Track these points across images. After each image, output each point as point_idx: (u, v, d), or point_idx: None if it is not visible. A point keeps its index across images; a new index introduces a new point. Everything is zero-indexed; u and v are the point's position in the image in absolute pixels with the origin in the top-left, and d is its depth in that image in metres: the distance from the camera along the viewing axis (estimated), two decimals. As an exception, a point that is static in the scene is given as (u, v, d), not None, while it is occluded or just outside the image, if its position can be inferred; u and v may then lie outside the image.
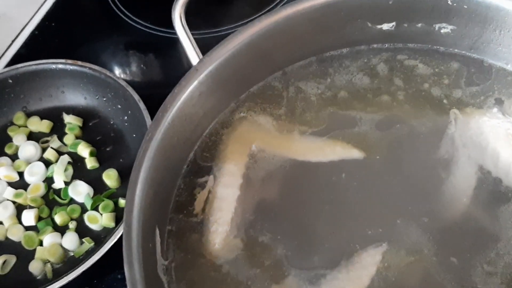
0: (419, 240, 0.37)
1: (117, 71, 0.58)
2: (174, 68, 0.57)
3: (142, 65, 0.58)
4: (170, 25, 0.43)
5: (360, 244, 0.37)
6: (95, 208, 0.48)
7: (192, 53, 0.41)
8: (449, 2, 0.40)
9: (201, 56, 0.41)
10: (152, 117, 0.49)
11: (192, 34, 0.57)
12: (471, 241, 0.37)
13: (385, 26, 0.43)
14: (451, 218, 0.38)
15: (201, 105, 0.40)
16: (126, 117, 0.52)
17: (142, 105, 0.50)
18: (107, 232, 0.46)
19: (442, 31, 0.43)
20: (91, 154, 0.51)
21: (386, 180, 0.40)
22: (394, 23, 0.43)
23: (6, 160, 0.52)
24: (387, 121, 0.42)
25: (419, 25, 0.43)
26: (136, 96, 0.50)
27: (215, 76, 0.40)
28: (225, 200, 0.40)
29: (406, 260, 0.36)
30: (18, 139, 0.53)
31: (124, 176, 0.50)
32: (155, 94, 0.49)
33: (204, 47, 0.57)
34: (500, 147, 0.40)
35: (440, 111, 0.42)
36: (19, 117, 0.54)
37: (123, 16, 0.62)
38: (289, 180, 0.40)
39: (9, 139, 0.54)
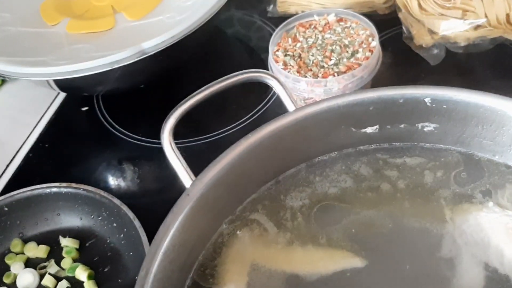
0: None
1: (111, 187, 0.58)
2: (169, 179, 0.57)
3: (136, 179, 0.59)
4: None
5: None
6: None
7: (183, 175, 0.41)
8: (428, 103, 0.42)
9: (193, 177, 0.41)
10: (147, 234, 0.49)
11: (182, 143, 0.59)
12: None
13: (369, 130, 0.44)
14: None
15: (195, 228, 0.40)
16: (122, 235, 0.52)
17: (137, 222, 0.50)
18: None
19: (425, 129, 0.44)
20: (89, 277, 0.50)
21: (390, 286, 0.39)
22: (377, 126, 0.44)
23: (4, 290, 0.52)
24: (385, 223, 0.42)
25: (402, 125, 0.44)
26: (131, 214, 0.51)
27: (207, 197, 0.40)
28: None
29: None
30: (16, 267, 0.53)
31: (124, 298, 0.49)
32: (150, 209, 0.49)
33: (195, 154, 0.59)
34: (502, 243, 0.39)
35: (436, 209, 0.42)
36: (16, 244, 0.54)
37: (114, 131, 0.64)
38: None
39: (7, 268, 0.53)
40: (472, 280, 0.39)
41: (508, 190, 0.42)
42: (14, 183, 0.60)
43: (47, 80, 0.59)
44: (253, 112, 0.63)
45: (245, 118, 0.62)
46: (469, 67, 0.61)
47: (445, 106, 0.42)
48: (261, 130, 0.43)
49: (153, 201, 0.55)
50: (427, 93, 0.41)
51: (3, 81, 0.74)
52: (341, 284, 0.40)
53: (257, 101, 0.63)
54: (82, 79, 0.57)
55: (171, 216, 0.38)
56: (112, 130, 0.64)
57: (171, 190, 0.43)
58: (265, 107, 0.63)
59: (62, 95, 0.70)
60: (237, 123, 0.62)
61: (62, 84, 0.60)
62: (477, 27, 0.58)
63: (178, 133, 0.44)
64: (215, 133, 0.61)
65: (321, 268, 0.41)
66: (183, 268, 0.39)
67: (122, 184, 0.59)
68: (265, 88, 0.62)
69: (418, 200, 0.43)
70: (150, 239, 0.45)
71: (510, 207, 0.41)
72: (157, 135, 0.44)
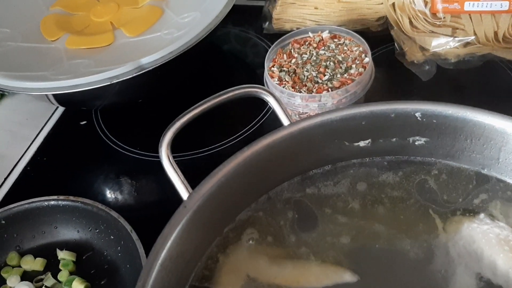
0: None
1: (109, 200, 0.59)
2: (166, 192, 0.58)
3: (134, 192, 0.60)
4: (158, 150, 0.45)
5: None
6: None
7: (181, 188, 0.42)
8: (418, 118, 0.43)
9: (190, 190, 0.42)
10: (144, 246, 0.49)
11: (179, 157, 0.60)
12: None
13: (362, 143, 0.45)
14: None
15: (191, 240, 0.40)
16: (119, 248, 0.52)
17: (134, 235, 0.50)
18: None
19: (416, 143, 0.45)
20: (86, 290, 0.51)
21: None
22: (369, 140, 0.45)
23: (0, 304, 0.52)
24: (377, 236, 0.43)
25: (394, 139, 0.45)
26: (128, 227, 0.51)
27: (204, 209, 0.41)
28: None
29: None
30: (12, 280, 0.53)
31: (121, 311, 0.49)
32: (148, 221, 0.49)
33: (192, 168, 0.60)
34: (495, 254, 0.40)
35: (428, 222, 0.43)
36: (12, 258, 0.54)
37: (112, 144, 0.65)
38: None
39: (3, 281, 0.53)
40: (466, 291, 0.39)
41: (498, 202, 0.43)
42: (12, 196, 0.61)
43: (46, 95, 0.60)
44: (248, 127, 0.64)
45: (241, 132, 0.63)
46: (459, 83, 0.62)
47: (435, 121, 0.43)
48: (256, 143, 0.44)
49: (151, 214, 0.56)
50: (418, 108, 0.43)
51: (3, 95, 0.75)
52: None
53: (252, 116, 0.64)
54: (81, 94, 0.58)
55: (168, 227, 0.39)
56: (110, 144, 0.65)
57: (168, 203, 0.43)
58: (261, 122, 0.64)
59: (61, 109, 0.71)
60: (233, 137, 0.63)
61: (61, 99, 0.62)
62: (467, 44, 0.59)
63: (175, 147, 0.45)
64: (212, 147, 0.62)
65: (314, 283, 0.41)
66: (180, 279, 0.40)
67: (120, 197, 0.60)
68: (261, 103, 0.64)
69: (410, 213, 0.44)
70: (147, 252, 0.45)
71: (501, 218, 0.43)
72: (154, 148, 0.45)
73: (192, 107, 0.45)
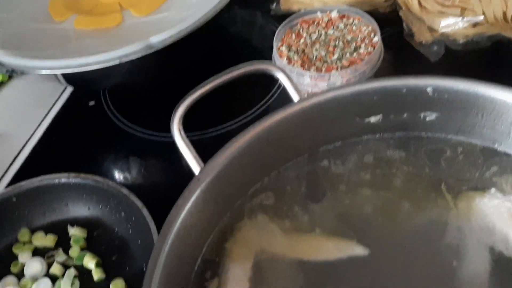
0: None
1: (119, 178, 0.59)
2: (175, 171, 0.58)
3: (143, 171, 0.60)
4: (168, 130, 0.45)
5: None
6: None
7: (193, 162, 0.42)
8: (429, 93, 0.43)
9: (202, 164, 0.42)
10: (155, 222, 0.50)
11: (190, 135, 0.60)
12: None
13: (373, 119, 0.45)
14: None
15: (205, 213, 0.41)
16: (130, 224, 0.53)
17: (145, 211, 0.51)
18: None
19: (427, 118, 0.45)
20: (97, 265, 0.51)
21: (395, 274, 0.40)
22: (380, 116, 0.45)
23: (12, 279, 0.52)
24: (388, 212, 0.43)
25: (405, 115, 0.45)
26: (139, 203, 0.51)
27: (216, 182, 0.41)
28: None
29: None
30: (23, 256, 0.53)
31: (132, 284, 0.50)
32: (157, 199, 0.50)
33: (202, 147, 0.60)
34: (507, 227, 0.41)
35: (440, 197, 0.43)
36: (23, 234, 0.55)
37: (121, 125, 0.65)
38: (296, 280, 0.40)
39: (15, 257, 0.54)
40: (479, 264, 0.40)
41: (509, 177, 0.43)
42: (22, 174, 0.61)
43: (55, 74, 0.60)
44: (257, 107, 0.64)
45: (250, 112, 0.63)
46: (467, 63, 0.62)
47: (446, 96, 0.43)
48: (268, 118, 0.44)
49: (160, 193, 0.56)
50: (429, 83, 0.43)
51: (11, 77, 0.75)
52: (345, 270, 0.41)
53: (261, 96, 0.64)
54: (90, 73, 0.58)
55: (182, 199, 0.39)
56: (118, 124, 0.65)
57: (178, 182, 0.44)
58: (269, 102, 0.64)
59: (69, 90, 0.71)
60: (242, 117, 0.63)
61: (70, 78, 0.62)
62: (475, 24, 0.59)
63: (185, 126, 0.45)
64: (221, 126, 0.62)
65: (324, 255, 0.42)
66: (194, 251, 0.41)
67: (130, 175, 0.60)
68: (270, 83, 0.64)
69: (421, 188, 0.45)
70: (158, 228, 0.46)
71: (512, 192, 0.43)
72: (163, 128, 0.45)
73: (204, 82, 0.45)
